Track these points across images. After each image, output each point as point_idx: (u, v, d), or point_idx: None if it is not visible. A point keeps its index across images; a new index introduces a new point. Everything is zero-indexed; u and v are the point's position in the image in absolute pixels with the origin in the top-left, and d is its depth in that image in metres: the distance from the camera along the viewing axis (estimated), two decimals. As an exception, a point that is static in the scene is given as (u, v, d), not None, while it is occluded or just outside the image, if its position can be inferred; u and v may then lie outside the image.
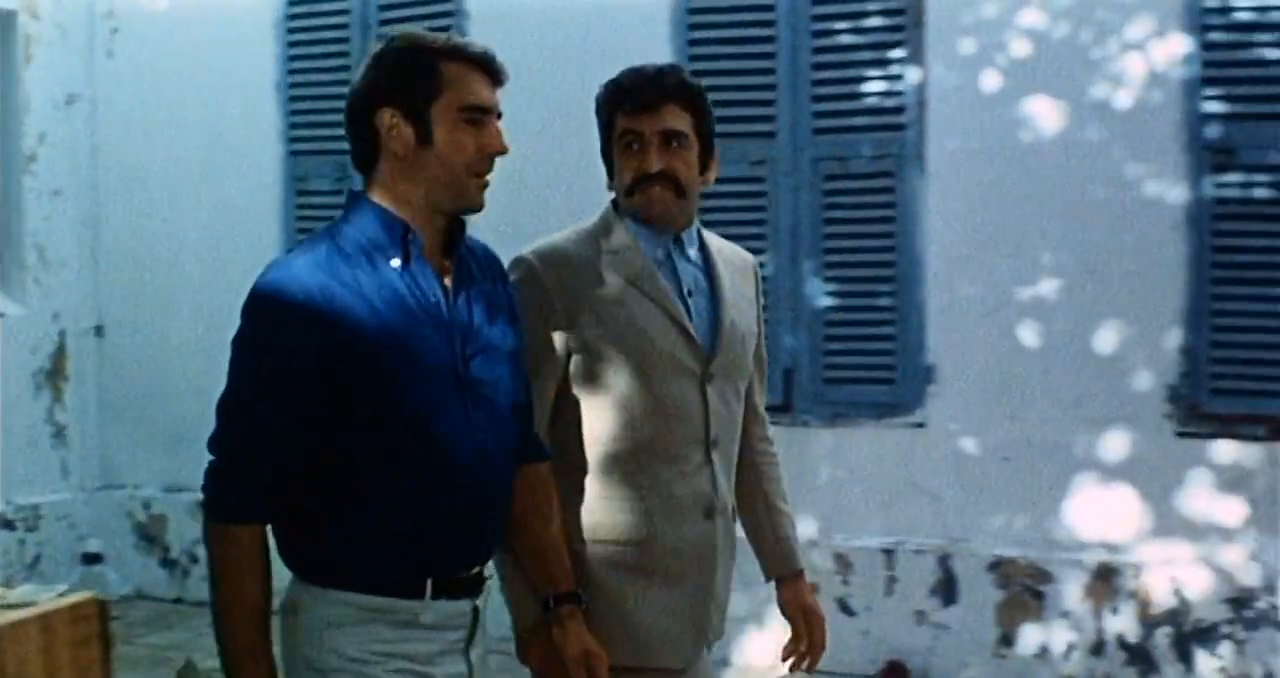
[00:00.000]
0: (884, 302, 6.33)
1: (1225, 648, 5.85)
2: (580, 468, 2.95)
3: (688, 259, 3.03)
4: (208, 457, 2.53)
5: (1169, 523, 5.94)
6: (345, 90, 2.65)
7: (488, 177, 2.60)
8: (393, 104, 2.56)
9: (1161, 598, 5.94)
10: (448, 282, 2.61)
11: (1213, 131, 5.82)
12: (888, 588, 6.33)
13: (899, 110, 6.27)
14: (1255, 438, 5.80)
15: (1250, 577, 5.82)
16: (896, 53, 6.27)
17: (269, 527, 2.53)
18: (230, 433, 2.51)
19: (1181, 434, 5.91)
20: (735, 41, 6.48)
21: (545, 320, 2.91)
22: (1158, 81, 5.91)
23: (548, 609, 2.87)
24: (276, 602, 2.55)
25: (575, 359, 2.93)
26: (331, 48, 7.30)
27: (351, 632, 2.52)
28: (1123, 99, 5.96)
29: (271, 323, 2.47)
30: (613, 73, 3.02)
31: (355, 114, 2.60)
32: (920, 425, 6.28)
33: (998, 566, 6.17)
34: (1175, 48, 5.87)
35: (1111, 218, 5.98)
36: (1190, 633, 5.91)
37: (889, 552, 6.33)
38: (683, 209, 2.99)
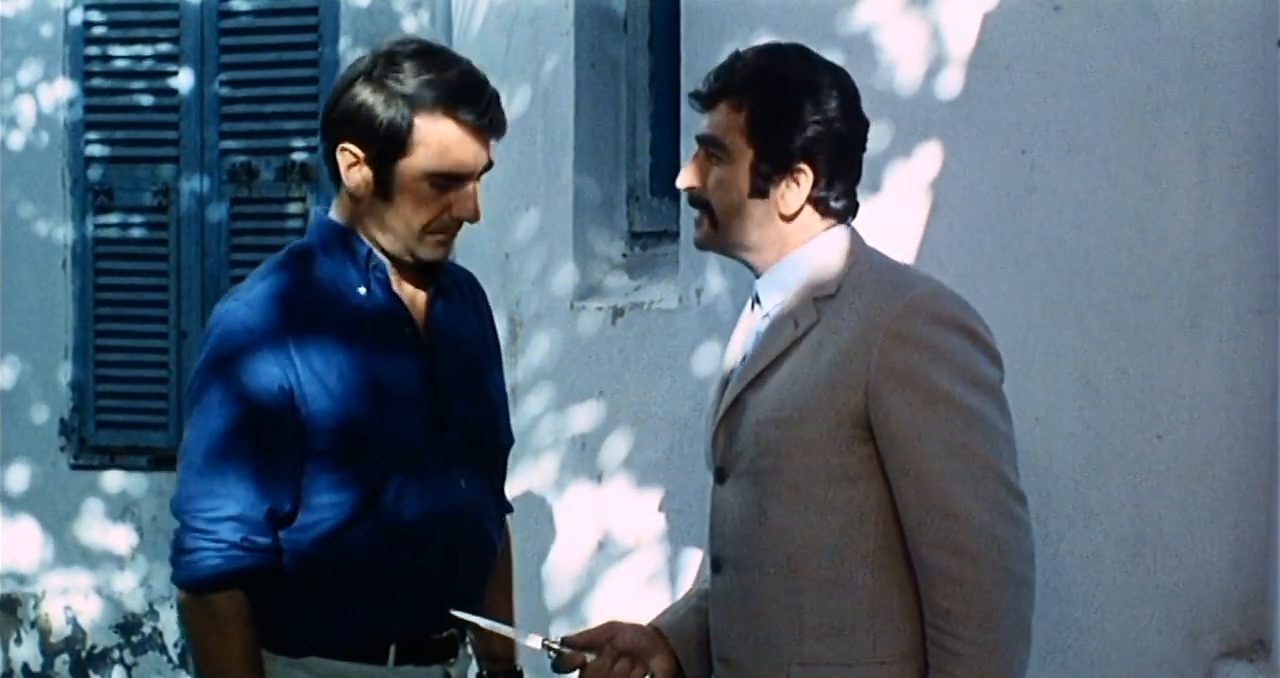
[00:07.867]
0: None
1: (118, 672, 6.06)
2: None
3: None
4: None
5: (67, 553, 6.11)
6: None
7: (449, 236, 2.29)
8: (354, 143, 2.23)
9: (60, 626, 6.11)
10: (422, 311, 2.33)
11: (94, 173, 6.05)
12: None
13: None
14: (140, 468, 6.04)
15: (138, 603, 6.05)
16: None
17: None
18: (199, 486, 2.22)
19: (75, 466, 6.10)
20: None
21: None
22: (45, 124, 6.10)
23: None
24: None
25: None
26: None
27: None
28: (15, 141, 6.13)
29: (236, 360, 2.22)
30: None
31: (324, 130, 2.29)
32: None
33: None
34: (61, 92, 6.07)
35: (5, 256, 6.12)
36: (86, 659, 6.10)
37: None
38: None
